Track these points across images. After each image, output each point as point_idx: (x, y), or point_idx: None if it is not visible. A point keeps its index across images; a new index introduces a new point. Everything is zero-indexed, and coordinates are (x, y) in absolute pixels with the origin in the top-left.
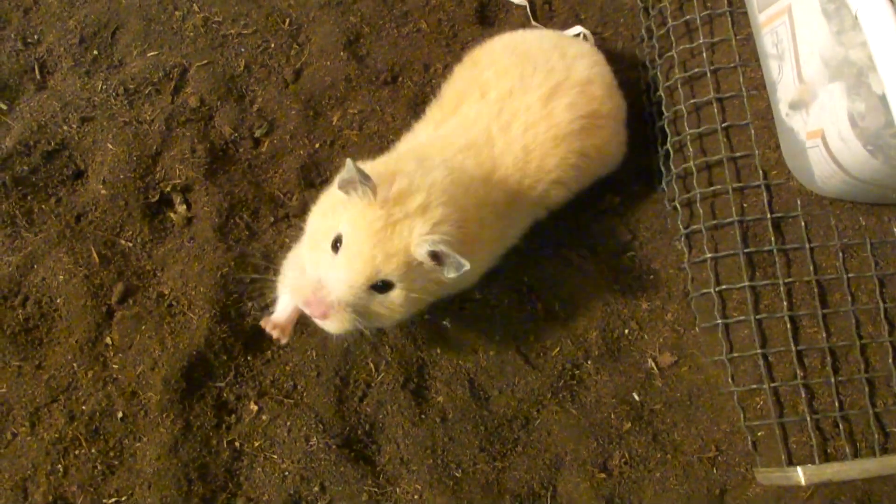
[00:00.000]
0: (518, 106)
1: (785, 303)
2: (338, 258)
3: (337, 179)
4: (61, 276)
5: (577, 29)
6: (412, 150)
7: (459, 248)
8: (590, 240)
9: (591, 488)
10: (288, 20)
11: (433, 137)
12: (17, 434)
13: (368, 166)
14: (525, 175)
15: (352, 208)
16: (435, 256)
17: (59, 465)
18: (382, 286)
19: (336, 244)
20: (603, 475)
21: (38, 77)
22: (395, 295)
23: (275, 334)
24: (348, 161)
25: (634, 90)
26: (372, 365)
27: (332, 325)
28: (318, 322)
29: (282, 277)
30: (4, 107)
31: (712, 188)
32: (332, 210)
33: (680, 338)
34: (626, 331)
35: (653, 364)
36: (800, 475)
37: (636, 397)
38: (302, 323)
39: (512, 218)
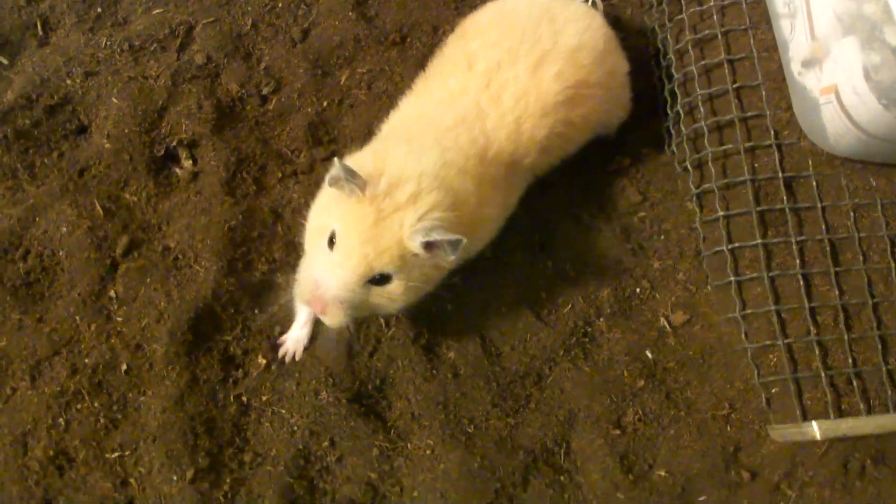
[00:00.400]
0: (507, 77)
1: (797, 261)
2: (332, 256)
3: (326, 178)
4: (64, 229)
5: None
6: (401, 130)
7: (459, 229)
8: (600, 200)
9: (605, 445)
10: None
11: (421, 115)
12: (16, 388)
13: (356, 158)
14: (518, 146)
15: (343, 205)
16: (430, 245)
17: (61, 420)
18: (380, 279)
19: (331, 241)
20: (617, 432)
21: (41, 33)
22: (394, 286)
23: (289, 354)
24: (335, 160)
25: (643, 55)
26: (382, 320)
27: (329, 319)
28: (319, 316)
29: (297, 287)
30: (6, 62)
31: (723, 148)
32: (326, 208)
33: (692, 296)
34: (638, 289)
35: (665, 322)
36: (815, 430)
37: (649, 355)
38: None
39: (510, 188)
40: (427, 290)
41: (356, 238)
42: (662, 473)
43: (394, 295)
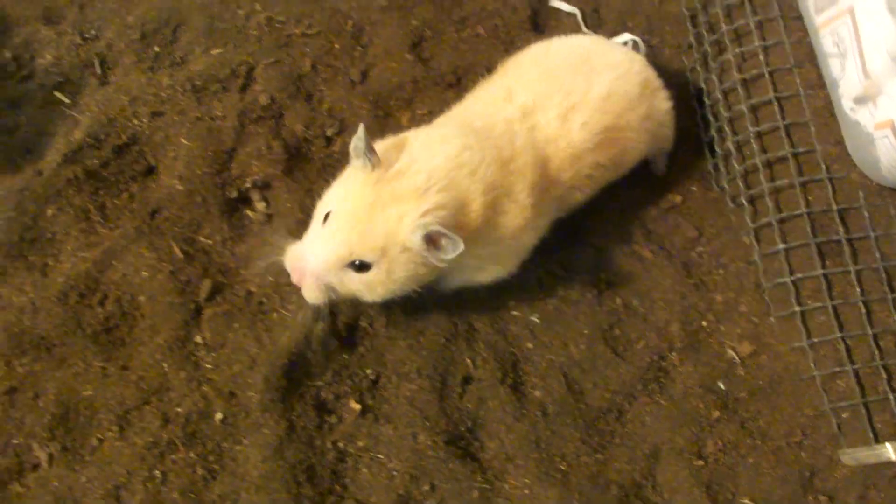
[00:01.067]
0: (539, 119)
1: (857, 289)
2: (321, 232)
3: (351, 148)
4: (144, 273)
5: (626, 37)
6: (427, 126)
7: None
8: (658, 237)
9: (690, 476)
10: (350, 22)
11: (453, 113)
12: (103, 439)
13: (381, 143)
14: (544, 178)
15: (348, 182)
16: (428, 240)
17: (157, 471)
18: (360, 266)
19: (327, 217)
20: (700, 462)
21: (100, 71)
22: (372, 275)
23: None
24: (360, 126)
25: (683, 95)
26: (469, 361)
27: (306, 292)
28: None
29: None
30: (67, 100)
31: (773, 183)
32: (336, 185)
33: (756, 328)
34: (704, 323)
35: (733, 354)
36: (889, 451)
37: (721, 386)
38: (394, 321)
39: (536, 209)
40: (409, 287)
41: (345, 220)
42: (746, 501)
43: (371, 284)
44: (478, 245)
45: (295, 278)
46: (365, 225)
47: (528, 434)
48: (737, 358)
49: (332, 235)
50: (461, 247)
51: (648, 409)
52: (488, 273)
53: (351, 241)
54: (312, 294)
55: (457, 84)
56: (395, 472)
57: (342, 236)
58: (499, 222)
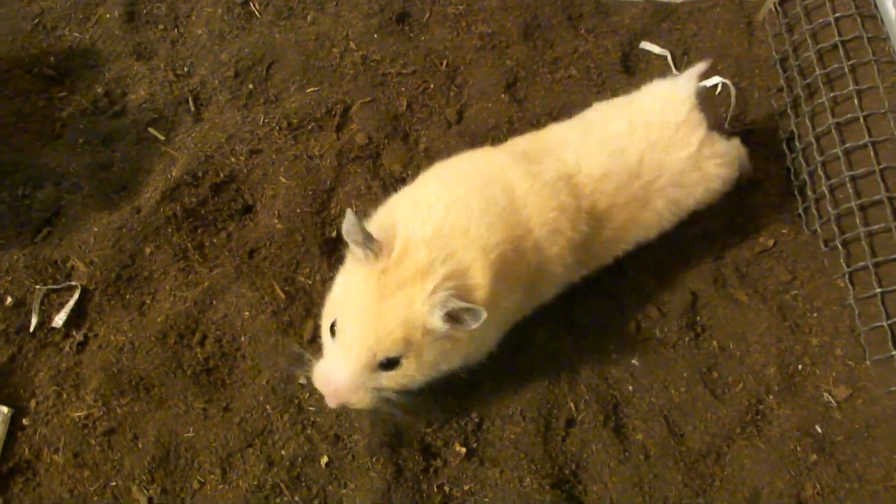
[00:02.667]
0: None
1: None
2: (335, 346)
3: (344, 232)
4: (246, 313)
5: (716, 79)
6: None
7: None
8: (752, 280)
9: None
10: (445, 62)
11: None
12: (204, 482)
13: (374, 219)
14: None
15: (351, 280)
16: (451, 317)
17: None
18: (388, 363)
19: (332, 329)
20: None
21: (193, 108)
22: (405, 368)
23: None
24: (348, 212)
25: (773, 139)
26: (571, 404)
27: (356, 406)
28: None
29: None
30: (162, 137)
31: (868, 227)
32: (337, 288)
33: (851, 371)
34: (800, 366)
35: (829, 397)
36: None
37: (818, 429)
38: (497, 365)
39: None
40: (448, 366)
41: (357, 324)
42: None
43: (407, 376)
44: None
45: (333, 403)
46: (379, 323)
47: (631, 477)
48: (833, 402)
49: (349, 347)
50: (483, 314)
51: (747, 451)
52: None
53: (370, 346)
54: (364, 403)
55: None
56: None
57: (359, 344)
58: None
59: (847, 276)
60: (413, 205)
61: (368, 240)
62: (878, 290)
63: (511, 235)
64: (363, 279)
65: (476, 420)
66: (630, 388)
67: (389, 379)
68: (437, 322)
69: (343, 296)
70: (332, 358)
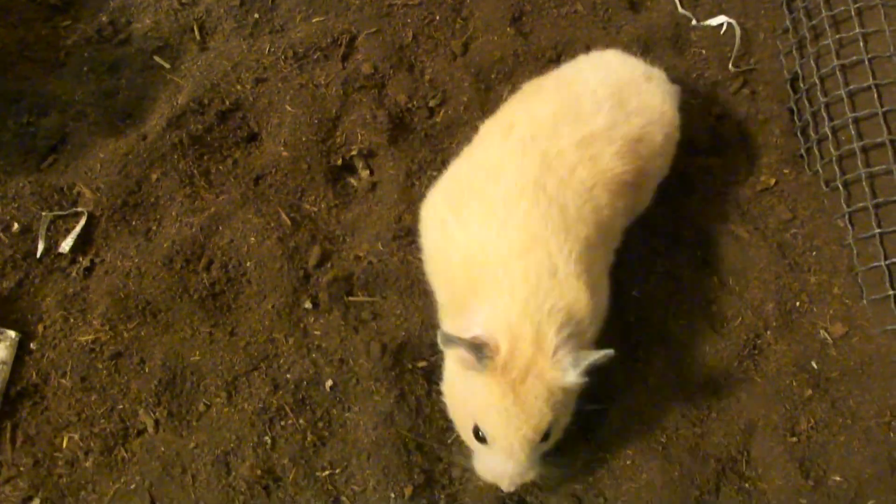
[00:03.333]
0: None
1: None
2: (493, 454)
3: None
4: (252, 239)
5: (722, 18)
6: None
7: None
8: (753, 217)
9: (784, 452)
10: None
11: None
12: (210, 405)
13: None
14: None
15: (477, 389)
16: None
17: (266, 438)
18: (544, 437)
19: (478, 434)
20: (794, 439)
21: (199, 37)
22: (555, 431)
23: None
24: (440, 334)
25: (776, 78)
26: None
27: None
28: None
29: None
30: (167, 65)
31: (870, 169)
32: (459, 391)
33: (848, 310)
34: (798, 303)
35: (826, 334)
36: None
37: (814, 366)
38: None
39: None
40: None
41: (506, 428)
42: (837, 479)
43: (560, 431)
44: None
45: (512, 489)
46: (528, 415)
47: (631, 406)
48: (829, 339)
49: (510, 447)
50: (611, 351)
51: (744, 385)
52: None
53: (529, 439)
54: (535, 478)
55: (556, 60)
56: None
57: (518, 442)
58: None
59: (847, 216)
60: (491, 295)
61: (478, 349)
62: (877, 230)
63: (580, 235)
64: (489, 384)
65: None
66: (631, 318)
67: (547, 444)
68: (574, 379)
69: (475, 403)
70: (496, 458)
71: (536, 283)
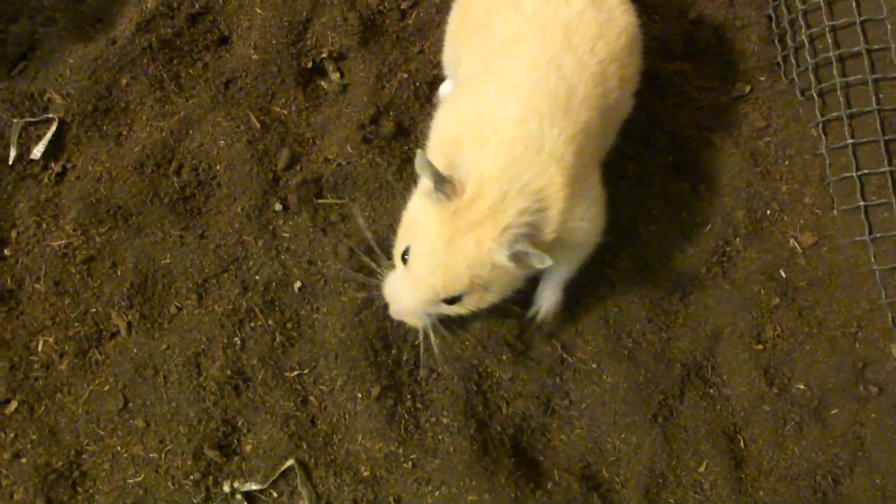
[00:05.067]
0: (566, 13)
1: None
2: (405, 275)
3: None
4: (222, 142)
5: None
6: (475, 115)
7: (549, 235)
8: (727, 124)
9: (749, 359)
10: None
11: (489, 88)
12: (181, 307)
13: (434, 144)
14: (607, 85)
15: (425, 216)
16: (516, 257)
17: (236, 338)
18: (451, 300)
19: (404, 256)
20: (759, 347)
21: None
22: (466, 302)
23: None
24: (419, 153)
25: None
26: None
27: (410, 323)
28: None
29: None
30: None
31: (845, 78)
32: (412, 215)
33: (819, 219)
34: (769, 211)
35: (795, 243)
36: None
37: (782, 274)
38: None
39: (603, 134)
40: (507, 295)
41: (426, 263)
42: (801, 386)
43: (467, 308)
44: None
45: (394, 314)
46: (447, 266)
47: (596, 310)
48: (798, 248)
49: (416, 283)
50: (548, 261)
51: (711, 292)
52: (591, 243)
53: (435, 287)
54: (414, 323)
55: None
56: (466, 342)
57: (425, 284)
58: (584, 188)
59: (821, 125)
60: (480, 138)
61: (441, 182)
62: (850, 140)
63: (578, 120)
64: (436, 218)
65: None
66: None
67: (449, 309)
68: (504, 261)
69: (416, 228)
70: (402, 283)
71: (520, 155)
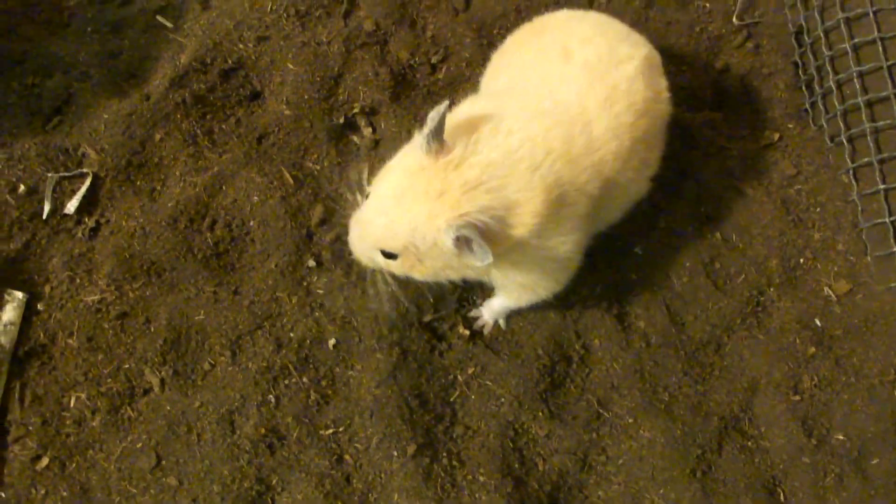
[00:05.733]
0: (617, 78)
1: None
2: (358, 213)
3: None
4: (255, 198)
5: None
6: (495, 99)
7: (500, 243)
8: (757, 172)
9: (787, 410)
10: None
11: (513, 88)
12: (215, 364)
13: (457, 112)
14: (627, 167)
15: (403, 160)
16: (461, 243)
17: (271, 396)
18: (388, 253)
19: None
20: (797, 398)
21: None
22: (399, 264)
23: None
24: (444, 104)
25: (782, 31)
26: (576, 290)
27: (358, 259)
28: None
29: None
30: (170, 24)
31: (875, 124)
32: (397, 157)
33: (853, 266)
34: (802, 260)
35: (829, 291)
36: None
37: (818, 323)
38: None
39: (604, 206)
40: (446, 278)
41: (378, 209)
42: (840, 437)
43: (400, 270)
44: (525, 254)
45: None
46: (393, 218)
47: (632, 363)
48: (833, 296)
49: (365, 223)
50: (489, 258)
51: (747, 342)
52: (538, 290)
53: (375, 235)
54: (360, 259)
55: None
56: (502, 399)
57: (371, 228)
58: (554, 228)
59: (851, 171)
60: (494, 127)
61: (433, 137)
62: (882, 186)
63: (579, 178)
64: (409, 165)
65: (480, 304)
66: (633, 276)
67: (386, 263)
68: (447, 242)
69: (397, 163)
70: (363, 209)
71: (514, 162)
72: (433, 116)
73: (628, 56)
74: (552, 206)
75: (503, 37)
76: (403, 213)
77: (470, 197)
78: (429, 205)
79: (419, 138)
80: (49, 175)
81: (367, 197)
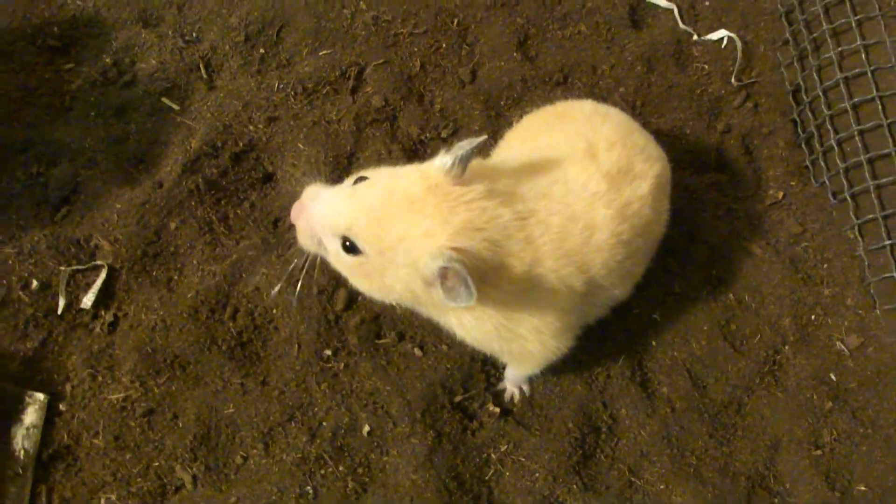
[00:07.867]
0: (630, 196)
1: None
2: (345, 190)
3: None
4: (277, 285)
5: (722, 32)
6: (520, 171)
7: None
8: (764, 232)
9: (809, 465)
10: (456, 20)
11: (531, 165)
12: (247, 457)
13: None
14: (612, 275)
15: (415, 167)
16: (443, 276)
17: (308, 487)
18: (350, 247)
19: (359, 181)
20: (818, 452)
21: (206, 76)
22: (356, 264)
23: None
24: (482, 138)
25: (779, 91)
26: (600, 361)
27: (297, 233)
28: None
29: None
30: (176, 107)
31: (877, 181)
32: (401, 169)
33: (863, 320)
34: (813, 316)
35: (842, 346)
36: None
37: (832, 377)
38: None
39: (588, 302)
40: (393, 300)
41: (373, 197)
42: (862, 488)
43: (351, 272)
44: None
45: (293, 214)
46: (386, 216)
47: (659, 430)
48: (846, 350)
49: (348, 200)
50: (472, 300)
51: (766, 401)
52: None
53: (358, 220)
54: (302, 237)
55: (564, 83)
56: (537, 475)
57: (356, 208)
58: (523, 303)
59: (856, 227)
60: (511, 188)
61: (460, 162)
62: (888, 241)
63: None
64: (424, 177)
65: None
66: (653, 343)
67: (338, 257)
68: (430, 267)
69: (391, 173)
70: (333, 193)
71: (519, 227)
72: (465, 144)
73: (642, 174)
74: (529, 282)
75: (510, 108)
76: (400, 217)
77: (470, 236)
78: (429, 223)
79: (444, 157)
80: (62, 268)
81: (357, 181)
